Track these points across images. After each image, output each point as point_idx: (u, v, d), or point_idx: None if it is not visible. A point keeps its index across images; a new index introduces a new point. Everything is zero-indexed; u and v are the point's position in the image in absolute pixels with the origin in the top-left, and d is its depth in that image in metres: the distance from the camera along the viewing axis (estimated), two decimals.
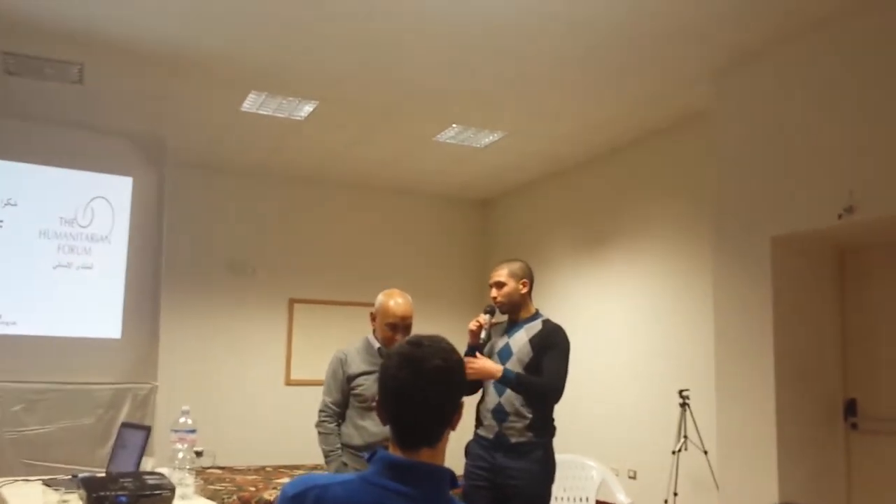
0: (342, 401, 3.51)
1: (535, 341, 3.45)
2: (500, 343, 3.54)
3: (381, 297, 3.54)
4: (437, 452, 1.50)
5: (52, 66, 5.24)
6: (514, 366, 3.42)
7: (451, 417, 1.51)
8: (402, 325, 3.45)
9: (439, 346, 1.52)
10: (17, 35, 4.79)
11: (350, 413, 3.51)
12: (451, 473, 1.49)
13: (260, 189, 8.06)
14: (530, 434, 3.36)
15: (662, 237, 6.32)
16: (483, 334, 3.50)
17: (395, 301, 3.49)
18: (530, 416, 3.37)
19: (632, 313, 6.57)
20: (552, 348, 3.43)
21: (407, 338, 1.57)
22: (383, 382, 1.52)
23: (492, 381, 3.41)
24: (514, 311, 3.56)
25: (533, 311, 3.59)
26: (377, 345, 3.54)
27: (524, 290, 3.56)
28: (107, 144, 5.94)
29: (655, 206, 6.41)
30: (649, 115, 6.01)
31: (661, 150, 6.39)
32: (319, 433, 3.51)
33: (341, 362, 3.53)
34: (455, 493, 1.53)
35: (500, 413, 3.39)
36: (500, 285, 3.55)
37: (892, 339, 4.73)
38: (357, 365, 3.50)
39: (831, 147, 4.37)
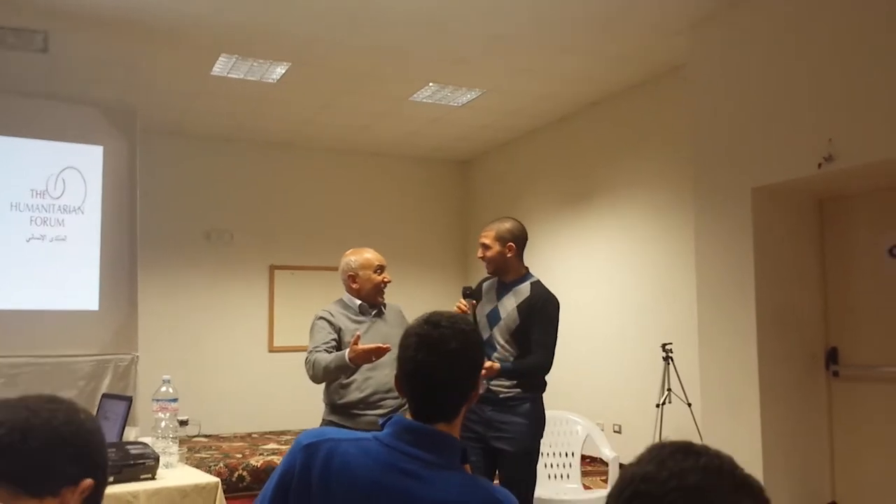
0: (331, 341, 3.44)
1: (522, 308, 3.41)
2: (488, 306, 3.51)
3: (351, 258, 3.59)
4: (452, 427, 1.52)
5: (15, 35, 5.08)
6: (501, 332, 3.41)
7: (467, 394, 1.53)
8: (385, 265, 3.60)
9: (457, 328, 1.53)
10: None
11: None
12: (464, 448, 1.51)
13: (235, 155, 7.94)
14: (518, 389, 3.37)
15: (644, 192, 6.30)
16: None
17: (368, 251, 3.62)
18: None
19: (614, 268, 6.57)
20: (540, 319, 3.40)
21: (425, 317, 1.56)
22: (402, 361, 1.53)
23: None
24: (501, 273, 3.51)
25: (522, 272, 3.52)
26: (358, 302, 3.56)
27: (510, 255, 3.46)
28: (75, 113, 5.81)
29: (636, 161, 6.38)
30: (628, 70, 5.94)
31: (640, 105, 6.34)
32: (316, 368, 3.32)
33: (328, 319, 3.51)
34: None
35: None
36: (485, 247, 3.48)
37: (871, 288, 4.76)
38: (343, 322, 3.50)
39: (810, 96, 4.34)
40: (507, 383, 3.37)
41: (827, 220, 5.02)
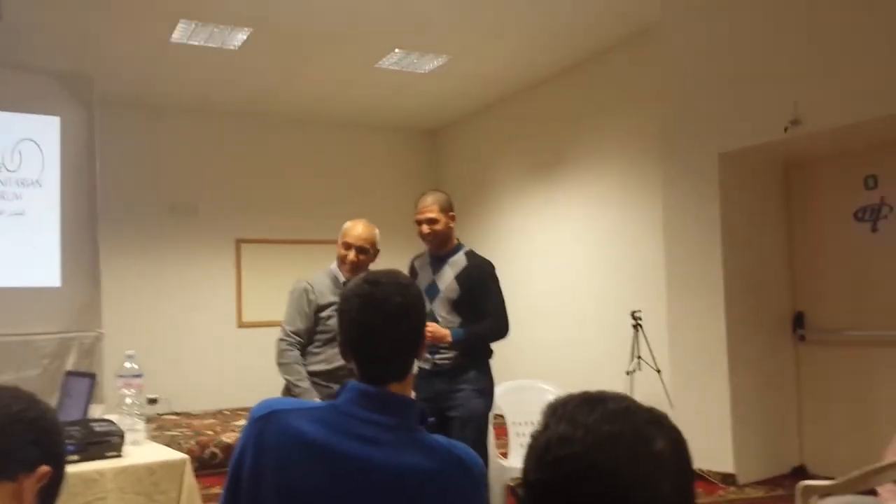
0: (307, 331, 3.38)
1: (461, 279, 3.36)
2: (425, 281, 3.44)
3: (344, 224, 3.46)
4: (405, 385, 1.48)
5: None
6: (442, 304, 3.36)
7: (416, 348, 1.49)
8: (355, 245, 3.36)
9: (397, 283, 1.48)
10: None
11: (317, 340, 3.39)
12: (422, 408, 1.47)
13: (197, 126, 7.76)
14: (462, 359, 3.34)
15: (613, 158, 6.28)
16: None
17: (353, 224, 3.42)
18: None
19: (584, 236, 6.57)
20: (484, 287, 3.37)
21: (362, 277, 1.51)
22: (345, 325, 1.48)
23: None
24: (442, 245, 3.45)
25: (455, 242, 3.49)
26: (343, 278, 3.39)
27: (453, 224, 3.43)
28: (30, 83, 5.60)
29: (605, 128, 6.35)
30: (596, 34, 5.89)
31: (608, 70, 6.29)
32: (281, 364, 3.34)
33: (307, 292, 3.38)
34: None
35: (430, 348, 3.32)
36: (432, 221, 3.39)
37: (836, 253, 4.80)
38: (325, 296, 3.36)
39: (777, 61, 4.34)
40: (451, 354, 3.33)
41: (793, 186, 5.05)
